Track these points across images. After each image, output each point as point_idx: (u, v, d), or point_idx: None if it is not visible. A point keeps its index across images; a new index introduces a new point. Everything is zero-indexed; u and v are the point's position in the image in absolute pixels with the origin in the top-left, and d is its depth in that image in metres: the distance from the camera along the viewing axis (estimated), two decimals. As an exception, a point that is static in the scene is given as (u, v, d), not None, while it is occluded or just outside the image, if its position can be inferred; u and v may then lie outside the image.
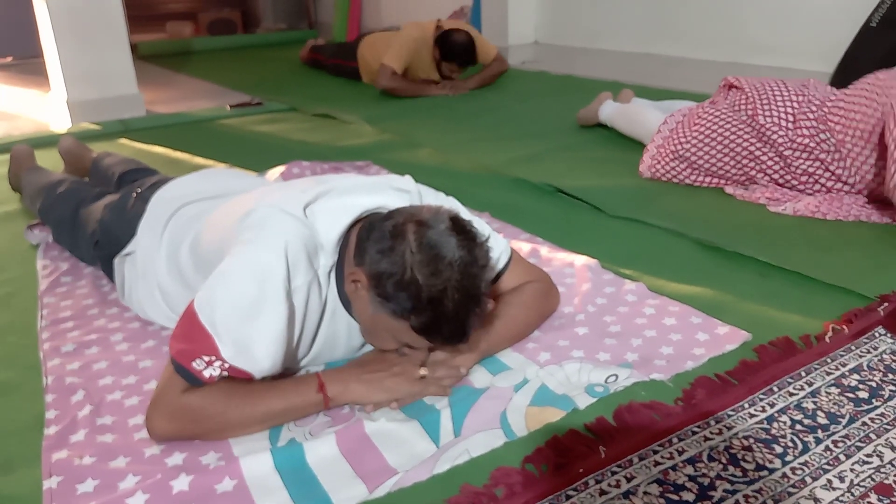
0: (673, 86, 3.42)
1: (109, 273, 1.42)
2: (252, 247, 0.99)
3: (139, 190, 1.41)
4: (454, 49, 3.58)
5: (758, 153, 1.91)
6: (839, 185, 1.83)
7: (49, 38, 3.22)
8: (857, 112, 1.74)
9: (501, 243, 1.25)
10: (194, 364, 0.96)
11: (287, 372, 1.10)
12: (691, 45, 3.84)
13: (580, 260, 1.54)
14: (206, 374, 0.96)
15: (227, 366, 0.96)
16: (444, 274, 0.93)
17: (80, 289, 1.52)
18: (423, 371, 1.06)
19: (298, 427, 1.02)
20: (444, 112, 3.25)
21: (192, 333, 0.97)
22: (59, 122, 3.31)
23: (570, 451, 0.95)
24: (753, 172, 1.95)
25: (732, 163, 1.96)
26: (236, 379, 0.99)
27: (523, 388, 1.10)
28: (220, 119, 3.28)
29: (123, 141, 2.91)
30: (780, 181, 1.93)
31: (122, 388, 1.15)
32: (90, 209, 1.52)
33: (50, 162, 2.59)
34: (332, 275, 1.07)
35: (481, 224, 1.17)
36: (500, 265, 1.24)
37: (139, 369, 1.20)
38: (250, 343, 0.96)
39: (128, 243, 1.34)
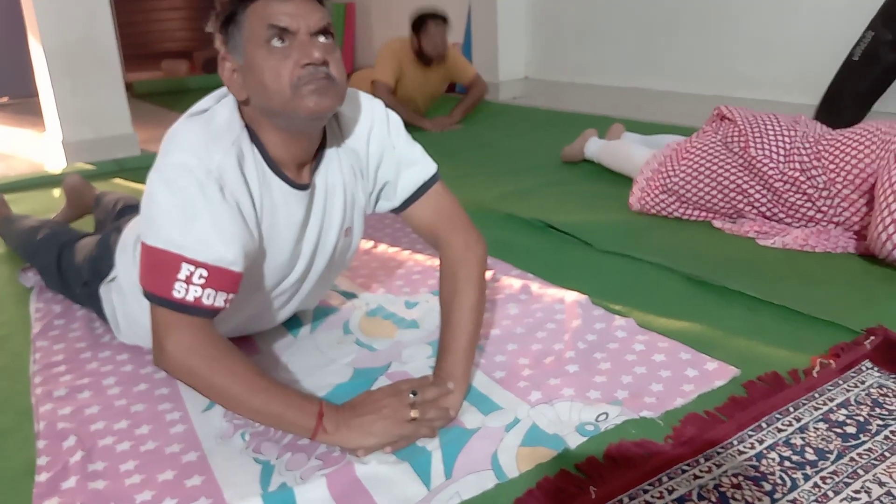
0: (660, 119, 3.46)
1: (100, 310, 1.43)
2: (159, 164, 1.03)
3: (120, 226, 1.43)
4: (425, 14, 3.60)
5: (746, 186, 1.94)
6: (825, 221, 1.86)
7: (44, 79, 3.26)
8: (852, 156, 1.76)
9: (426, 161, 1.28)
10: (175, 294, 0.98)
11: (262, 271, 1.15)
12: (678, 79, 3.91)
13: (570, 296, 1.55)
14: (191, 297, 0.98)
15: (204, 274, 0.98)
16: None
17: (73, 332, 1.52)
18: (413, 413, 1.06)
19: (290, 472, 1.02)
20: (435, 148, 3.23)
21: (153, 261, 1.00)
22: (55, 162, 3.34)
23: (560, 492, 0.95)
24: (742, 206, 1.97)
25: (721, 196, 1.99)
26: (254, 369, 1.02)
27: (514, 427, 1.10)
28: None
29: (118, 180, 2.93)
30: (768, 214, 1.95)
31: (113, 433, 1.15)
32: (74, 250, 1.53)
33: (45, 201, 2.62)
34: (252, 144, 1.08)
35: (416, 144, 1.27)
36: (418, 180, 1.26)
37: (131, 413, 1.20)
38: (204, 232, 0.98)
39: (110, 272, 1.36)
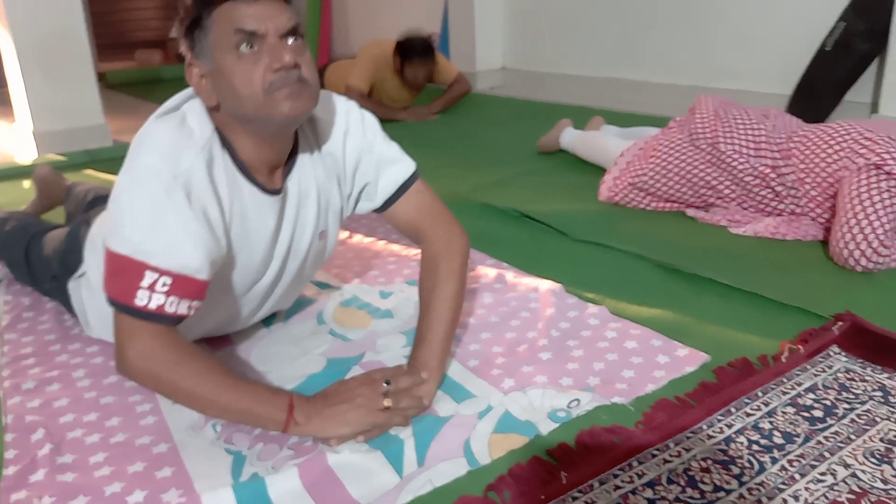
0: (638, 110, 3.48)
1: (69, 305, 1.41)
2: (128, 166, 1.02)
3: (89, 218, 1.41)
4: (412, 45, 3.56)
5: (714, 182, 1.95)
6: (795, 214, 1.87)
7: (14, 69, 3.20)
8: (821, 158, 1.76)
9: (405, 159, 1.27)
10: (137, 301, 0.96)
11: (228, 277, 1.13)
12: (655, 69, 3.92)
13: (545, 285, 1.56)
14: (153, 305, 0.97)
15: (168, 282, 0.97)
16: None
17: (42, 324, 1.50)
18: (386, 402, 1.06)
19: (261, 462, 1.01)
20: (412, 139, 3.24)
21: (116, 267, 0.98)
22: (25, 153, 3.28)
23: (532, 477, 0.96)
24: (712, 200, 1.99)
25: (691, 192, 2.00)
26: (219, 367, 1.01)
27: (487, 415, 1.10)
28: (189, 148, 3.27)
29: (89, 171, 2.89)
30: (739, 207, 1.97)
31: (83, 425, 1.13)
32: (42, 243, 1.51)
33: (15, 193, 2.57)
34: (223, 147, 1.07)
35: (393, 142, 1.26)
36: (399, 179, 1.26)
37: (101, 405, 1.19)
38: (168, 239, 0.97)
39: (79, 267, 1.34)
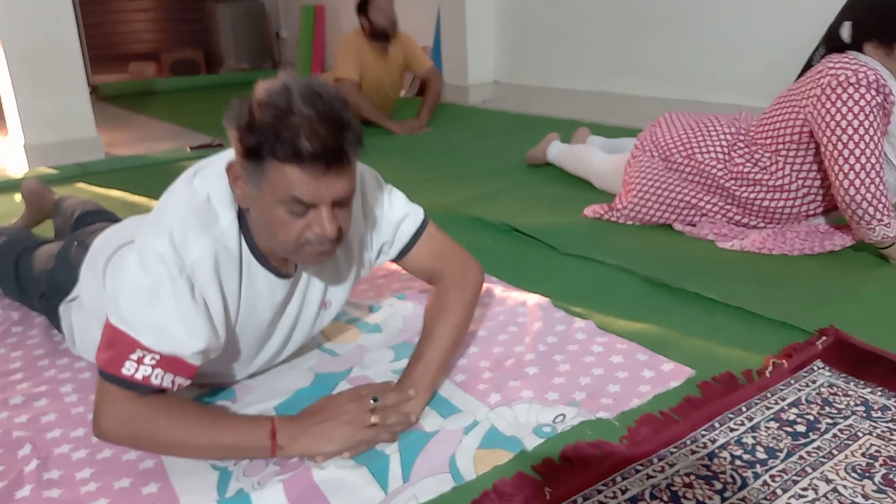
0: (627, 123, 3.51)
1: (57, 324, 1.41)
2: (141, 244, 1.02)
3: (81, 238, 1.41)
4: None
5: (695, 200, 1.98)
6: (783, 197, 1.88)
7: (6, 81, 3.20)
8: (780, 122, 1.84)
9: (413, 209, 1.28)
10: (124, 371, 0.97)
11: (230, 352, 1.13)
12: (645, 82, 3.95)
13: (532, 299, 1.57)
14: (139, 375, 0.98)
15: (157, 358, 0.98)
16: (284, 94, 0.94)
17: (30, 339, 1.50)
18: (374, 419, 1.06)
19: (247, 478, 1.02)
20: (403, 151, 3.29)
21: (110, 339, 0.99)
22: (16, 166, 3.28)
23: (516, 493, 0.96)
24: (696, 218, 2.02)
25: (674, 215, 2.03)
26: (194, 411, 1.02)
27: (473, 430, 1.11)
28: (181, 161, 3.28)
29: (81, 185, 2.89)
30: (725, 220, 1.99)
31: (69, 441, 1.14)
32: (32, 258, 1.51)
33: (6, 206, 2.57)
34: (241, 233, 1.07)
35: (398, 194, 1.26)
36: (411, 229, 1.27)
37: (88, 421, 1.19)
38: (165, 325, 0.98)
39: (72, 290, 1.34)
